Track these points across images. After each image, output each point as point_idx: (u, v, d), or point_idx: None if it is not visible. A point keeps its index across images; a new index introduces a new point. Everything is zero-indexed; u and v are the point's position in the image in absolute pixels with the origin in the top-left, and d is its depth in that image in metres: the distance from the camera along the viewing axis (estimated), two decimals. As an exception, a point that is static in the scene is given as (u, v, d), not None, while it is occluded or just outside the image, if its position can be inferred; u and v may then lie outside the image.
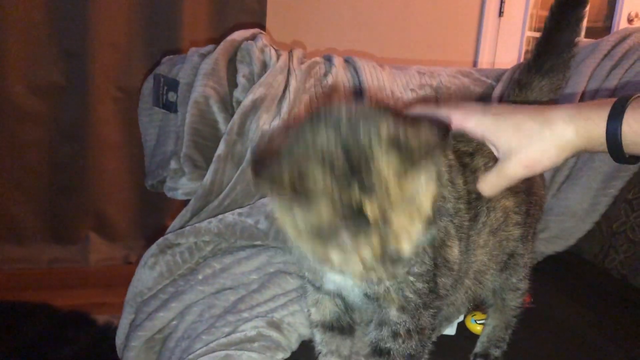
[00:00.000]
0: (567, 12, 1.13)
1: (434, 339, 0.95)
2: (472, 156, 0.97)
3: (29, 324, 2.07)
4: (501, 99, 1.66)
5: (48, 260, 2.50)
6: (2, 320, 2.06)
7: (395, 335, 0.88)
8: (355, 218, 0.66)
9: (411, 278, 0.85)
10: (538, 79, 1.16)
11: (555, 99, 1.17)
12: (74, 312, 2.13)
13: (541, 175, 1.12)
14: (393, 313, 0.87)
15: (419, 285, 0.86)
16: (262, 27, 2.43)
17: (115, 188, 2.52)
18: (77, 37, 2.30)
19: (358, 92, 1.60)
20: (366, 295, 0.88)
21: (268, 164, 0.68)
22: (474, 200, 0.95)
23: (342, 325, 0.99)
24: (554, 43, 1.14)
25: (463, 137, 1.01)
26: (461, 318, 1.21)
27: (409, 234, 0.69)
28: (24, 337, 1.99)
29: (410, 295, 0.86)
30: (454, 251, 0.91)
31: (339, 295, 0.95)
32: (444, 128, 0.73)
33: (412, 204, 0.69)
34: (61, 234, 2.51)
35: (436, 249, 0.88)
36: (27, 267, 2.45)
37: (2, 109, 2.27)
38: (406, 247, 0.70)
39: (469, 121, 0.87)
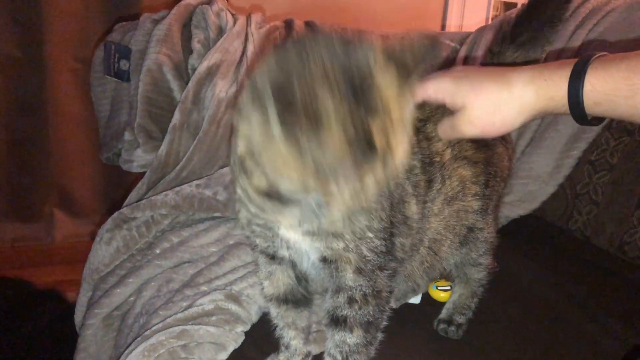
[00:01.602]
0: None
1: (392, 304, 0.94)
2: (424, 122, 0.95)
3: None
4: (465, 62, 1.63)
5: (12, 239, 2.43)
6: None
7: (351, 300, 0.86)
8: (364, 145, 0.63)
9: (369, 234, 0.83)
10: (512, 49, 1.13)
11: None
12: (46, 289, 2.09)
13: (505, 147, 1.09)
14: (349, 276, 0.85)
15: (377, 242, 0.84)
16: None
17: (77, 162, 2.44)
18: (30, 5, 2.20)
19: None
20: (321, 260, 0.85)
21: (284, 95, 0.62)
22: (428, 166, 0.93)
23: (296, 298, 0.97)
24: (536, 16, 1.12)
25: (417, 104, 0.99)
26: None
27: (402, 155, 0.67)
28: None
29: (368, 254, 0.84)
30: (412, 207, 0.89)
31: (292, 266, 0.93)
32: (432, 38, 0.70)
33: (405, 123, 0.67)
34: (24, 211, 2.43)
35: (394, 205, 0.86)
36: (-10, 245, 2.38)
37: (-48, 83, 2.18)
38: (400, 166, 0.68)
39: (427, 88, 0.84)
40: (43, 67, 2.25)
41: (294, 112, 0.61)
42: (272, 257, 0.92)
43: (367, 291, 0.86)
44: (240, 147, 0.74)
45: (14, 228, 2.42)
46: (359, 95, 0.63)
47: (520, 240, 1.44)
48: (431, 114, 0.97)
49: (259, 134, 0.66)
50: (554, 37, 1.19)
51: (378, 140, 0.63)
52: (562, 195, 1.51)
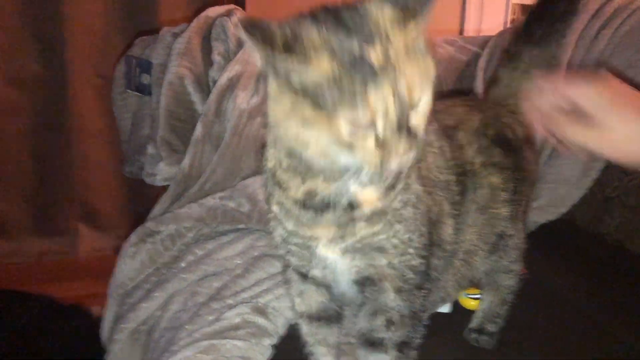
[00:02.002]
0: None
1: (425, 322, 0.91)
2: (455, 130, 0.93)
3: (24, 314, 2.03)
4: (487, 67, 1.61)
5: (37, 254, 2.46)
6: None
7: (389, 323, 0.85)
8: (360, 67, 0.60)
9: (410, 250, 0.81)
10: (529, 48, 1.11)
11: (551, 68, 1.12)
12: (71, 304, 2.09)
13: (532, 150, 1.06)
14: (390, 296, 0.83)
15: (417, 260, 0.82)
16: (242, 2, 2.36)
17: (101, 176, 2.47)
18: (52, 24, 2.23)
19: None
20: (361, 280, 0.84)
21: (259, 25, 0.61)
22: (461, 175, 0.91)
23: (328, 314, 0.94)
24: (548, 11, 1.10)
25: (445, 111, 0.98)
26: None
27: (422, 87, 0.64)
28: (16, 327, 1.96)
29: (408, 273, 0.82)
30: (448, 230, 0.88)
31: (325, 285, 0.90)
32: None
33: (418, 57, 0.63)
34: (49, 226, 2.46)
35: (432, 224, 0.84)
36: (16, 261, 2.41)
37: (-21, 102, 2.22)
38: (421, 99, 0.64)
39: (570, 88, 0.82)
40: (65, 84, 2.28)
41: (272, 42, 0.60)
42: (305, 276, 0.90)
43: (405, 312, 0.85)
44: (270, 160, 0.74)
45: (39, 243, 2.45)
46: (351, 29, 0.62)
47: (550, 245, 1.41)
48: (460, 121, 0.95)
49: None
50: (568, 31, 1.16)
51: (375, 59, 0.60)
52: (592, 198, 1.47)
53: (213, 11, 1.52)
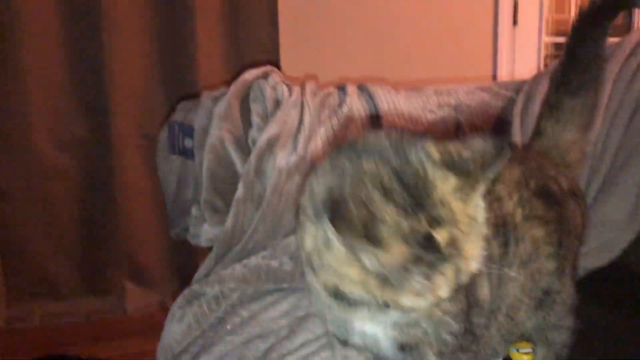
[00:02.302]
0: (592, 24, 1.11)
1: None
2: (494, 183, 0.93)
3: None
4: (523, 112, 1.60)
5: (86, 313, 2.50)
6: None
7: None
8: (429, 254, 0.62)
9: (446, 318, 0.80)
10: (568, 98, 1.11)
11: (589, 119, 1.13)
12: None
13: (578, 203, 1.04)
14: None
15: (455, 325, 0.81)
16: (277, 62, 2.43)
17: (146, 234, 2.52)
18: (98, 89, 2.34)
19: (374, 119, 1.57)
20: (400, 347, 0.83)
21: (342, 213, 0.62)
22: (501, 227, 0.90)
23: None
24: (578, 59, 1.11)
25: None
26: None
27: (476, 258, 0.66)
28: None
29: (447, 337, 0.81)
30: (484, 291, 0.86)
31: (366, 350, 0.89)
32: (500, 139, 0.69)
33: (475, 225, 0.66)
34: (97, 285, 2.51)
35: (468, 286, 0.84)
36: (66, 321, 2.45)
37: (29, 167, 2.31)
38: (474, 269, 0.67)
39: None
40: (110, 146, 2.37)
41: (351, 226, 0.61)
42: (346, 342, 0.89)
43: None
44: (308, 243, 0.74)
45: (87, 302, 2.50)
46: (419, 205, 0.63)
47: (602, 293, 1.36)
48: (499, 174, 0.95)
49: (319, 242, 0.67)
50: (604, 76, 1.18)
51: (444, 246, 0.62)
52: (642, 242, 1.43)
53: (250, 74, 1.57)
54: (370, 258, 0.62)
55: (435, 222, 0.63)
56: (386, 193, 0.63)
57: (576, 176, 1.13)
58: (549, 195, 0.98)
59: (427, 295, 0.64)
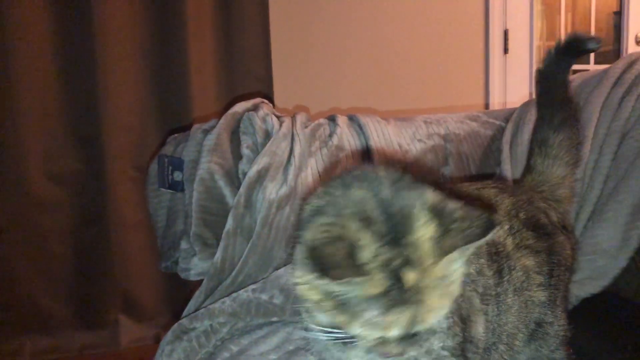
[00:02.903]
0: (555, 67, 1.19)
1: None
2: None
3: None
4: (512, 140, 1.61)
5: (79, 348, 2.47)
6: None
7: None
8: (393, 291, 0.63)
9: (444, 352, 0.81)
10: (553, 134, 1.15)
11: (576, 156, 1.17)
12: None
13: (568, 237, 1.06)
14: None
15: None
16: (270, 94, 2.45)
17: (139, 267, 2.51)
18: (91, 122, 2.35)
19: (365, 150, 1.57)
20: None
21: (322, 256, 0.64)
22: (494, 255, 0.91)
23: None
24: (550, 100, 1.17)
25: (474, 192, 1.00)
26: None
27: (437, 314, 0.67)
28: None
29: None
30: (479, 328, 0.87)
31: None
32: (490, 220, 0.68)
33: (446, 283, 0.67)
34: (90, 319, 2.49)
35: (463, 321, 0.84)
36: (58, 356, 2.42)
37: (21, 199, 2.31)
38: (429, 324, 0.67)
39: None
40: (103, 178, 2.37)
41: (336, 265, 0.62)
42: None
43: None
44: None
45: (81, 336, 2.47)
46: (396, 240, 0.64)
47: (595, 321, 1.35)
48: (492, 201, 0.97)
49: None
50: (580, 116, 1.23)
51: (410, 293, 0.63)
52: (635, 268, 1.42)
53: (240, 106, 1.58)
54: (346, 284, 0.63)
55: (406, 262, 0.64)
56: (367, 221, 0.65)
57: (567, 212, 1.15)
58: (538, 227, 1.00)
59: (376, 330, 0.65)
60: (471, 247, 0.67)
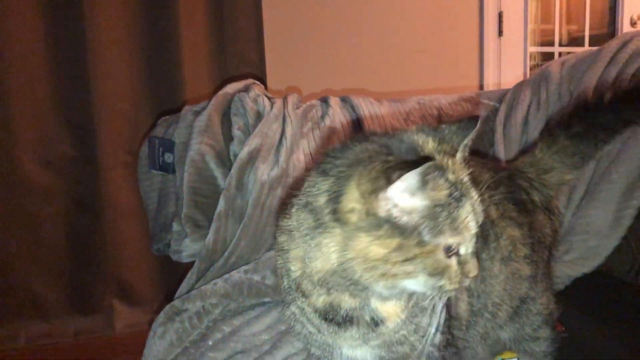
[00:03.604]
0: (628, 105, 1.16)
1: None
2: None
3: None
4: (506, 121, 1.61)
5: (74, 333, 2.47)
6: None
7: None
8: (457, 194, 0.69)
9: (431, 329, 0.81)
10: (564, 137, 1.17)
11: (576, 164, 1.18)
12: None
13: (549, 219, 1.09)
14: None
15: (439, 337, 0.83)
16: (263, 76, 2.43)
17: (134, 253, 2.50)
18: (83, 108, 2.33)
19: (357, 130, 1.56)
20: None
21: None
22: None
23: None
24: (591, 117, 1.17)
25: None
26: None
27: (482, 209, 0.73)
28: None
29: (431, 349, 0.83)
30: (463, 306, 0.87)
31: None
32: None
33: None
34: (85, 304, 2.48)
35: (449, 300, 0.85)
36: (53, 341, 2.42)
37: (14, 186, 2.29)
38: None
39: None
40: (97, 164, 2.35)
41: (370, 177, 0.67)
42: None
43: None
44: (295, 270, 0.76)
45: (76, 322, 2.47)
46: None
47: (587, 300, 1.36)
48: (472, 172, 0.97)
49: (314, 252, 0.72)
50: (612, 142, 1.22)
51: (459, 187, 0.70)
52: (626, 248, 1.42)
53: (231, 87, 1.57)
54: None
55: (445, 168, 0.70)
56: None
57: (552, 197, 1.16)
58: (519, 203, 1.02)
59: (461, 231, 0.68)
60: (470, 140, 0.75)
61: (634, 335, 1.21)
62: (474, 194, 0.71)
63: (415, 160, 0.65)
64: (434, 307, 0.80)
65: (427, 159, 0.65)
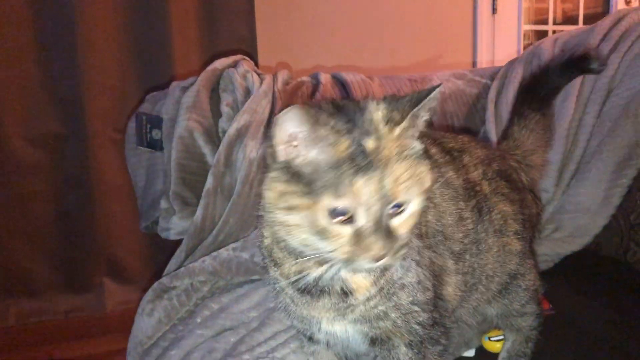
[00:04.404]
0: (553, 75, 1.27)
1: None
2: (460, 152, 0.97)
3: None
4: (497, 98, 1.59)
5: (65, 311, 2.47)
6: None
7: None
8: (360, 159, 0.66)
9: (415, 308, 0.82)
10: (532, 112, 1.24)
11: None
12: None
13: (535, 201, 1.12)
14: (402, 350, 0.84)
15: (424, 315, 0.83)
16: (254, 52, 2.40)
17: (124, 231, 2.49)
18: (71, 84, 2.29)
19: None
20: (370, 341, 0.84)
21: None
22: (471, 190, 0.93)
23: None
24: (537, 91, 1.27)
25: (451, 137, 1.02)
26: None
27: (410, 191, 0.69)
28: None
29: (416, 327, 0.83)
30: (449, 289, 0.88)
31: (334, 346, 0.90)
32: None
33: (411, 162, 0.69)
34: (75, 283, 2.48)
35: (435, 277, 0.85)
36: (43, 319, 2.42)
37: (2, 163, 2.26)
38: (402, 198, 0.68)
39: None
40: (85, 141, 2.33)
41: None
42: (311, 339, 0.92)
43: None
44: (266, 237, 0.77)
45: (67, 300, 2.47)
46: (357, 122, 0.69)
47: (575, 278, 1.36)
48: (465, 145, 1.00)
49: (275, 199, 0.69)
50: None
51: (372, 156, 0.66)
52: (616, 226, 1.42)
53: (220, 63, 1.54)
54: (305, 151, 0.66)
55: (365, 133, 0.67)
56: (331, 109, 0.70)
57: (535, 180, 1.19)
58: (510, 181, 1.02)
59: (348, 197, 0.65)
60: (421, 110, 0.70)
61: (622, 313, 1.21)
62: (394, 171, 0.67)
63: (297, 107, 0.65)
64: (418, 285, 0.81)
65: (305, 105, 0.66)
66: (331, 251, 0.67)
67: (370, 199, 0.65)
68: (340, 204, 0.65)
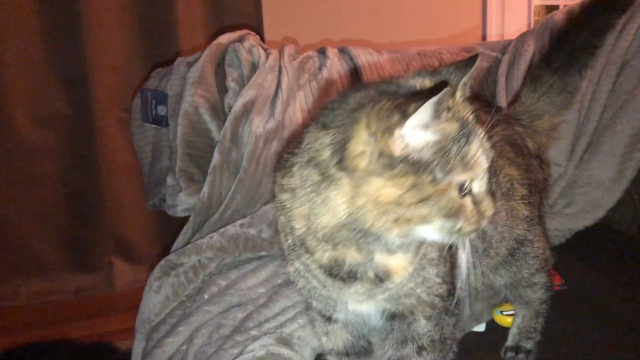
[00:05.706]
0: (595, 14, 1.15)
1: (455, 349, 0.91)
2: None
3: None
4: (508, 72, 1.56)
5: (74, 290, 2.48)
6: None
7: (420, 349, 0.85)
8: (465, 129, 0.67)
9: (437, 280, 0.82)
10: (548, 74, 1.17)
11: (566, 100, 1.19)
12: (96, 343, 2.09)
13: (541, 167, 1.10)
14: (422, 323, 0.84)
15: (444, 287, 0.83)
16: (260, 27, 2.37)
17: (132, 210, 2.48)
18: (76, 64, 2.27)
19: (356, 81, 1.52)
20: (390, 317, 0.85)
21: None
22: None
23: (357, 350, 0.94)
24: (570, 41, 1.16)
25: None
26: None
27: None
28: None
29: (436, 299, 0.83)
30: (462, 256, 0.86)
31: (351, 324, 0.90)
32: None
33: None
34: (85, 262, 2.48)
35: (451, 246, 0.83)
36: (54, 299, 2.43)
37: (9, 144, 2.26)
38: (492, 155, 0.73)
39: None
40: (92, 120, 2.31)
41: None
42: (329, 319, 0.91)
43: (435, 337, 0.84)
44: (299, 227, 0.74)
45: (76, 279, 2.47)
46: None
47: (588, 253, 1.34)
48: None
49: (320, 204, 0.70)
50: (596, 63, 1.24)
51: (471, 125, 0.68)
52: (629, 201, 1.40)
53: (225, 38, 1.52)
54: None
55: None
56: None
57: (543, 145, 1.16)
58: (515, 146, 1.01)
59: (472, 167, 0.66)
60: (469, 79, 0.72)
61: (635, 288, 1.20)
62: (481, 131, 0.68)
63: (431, 90, 0.62)
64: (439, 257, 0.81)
65: (443, 84, 0.63)
66: (460, 227, 0.68)
67: (484, 164, 0.68)
68: (469, 175, 0.66)
